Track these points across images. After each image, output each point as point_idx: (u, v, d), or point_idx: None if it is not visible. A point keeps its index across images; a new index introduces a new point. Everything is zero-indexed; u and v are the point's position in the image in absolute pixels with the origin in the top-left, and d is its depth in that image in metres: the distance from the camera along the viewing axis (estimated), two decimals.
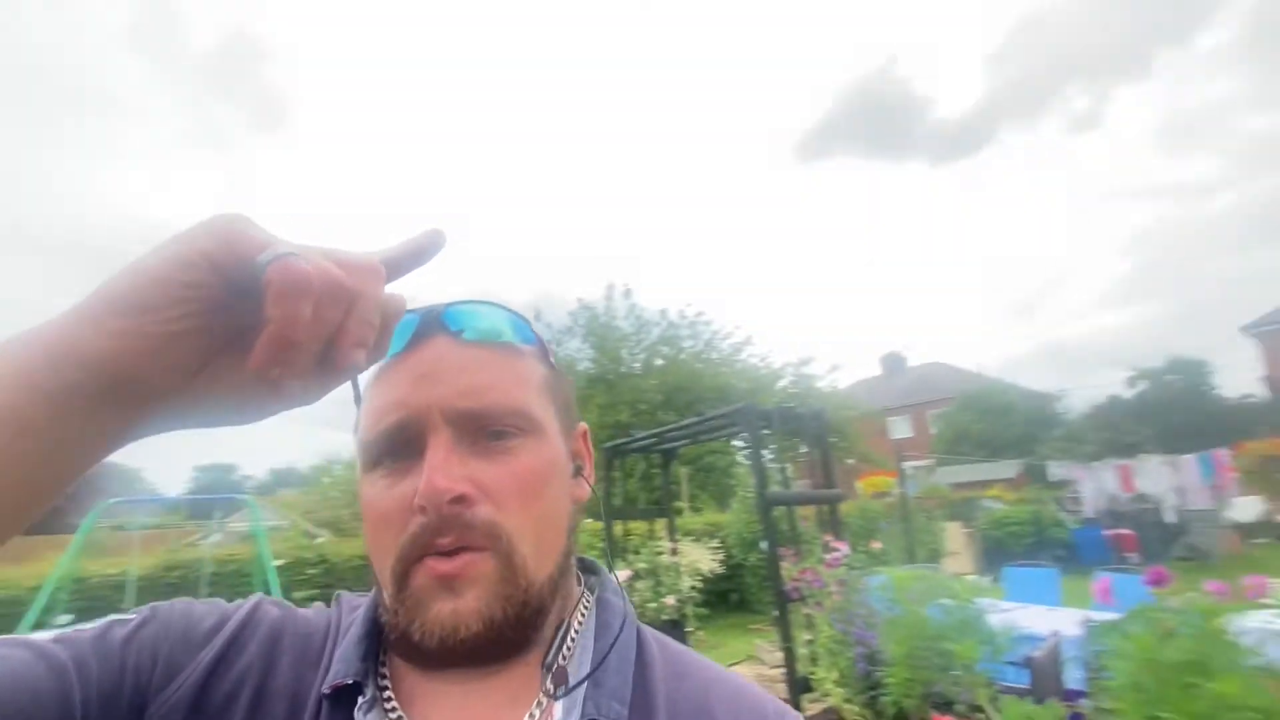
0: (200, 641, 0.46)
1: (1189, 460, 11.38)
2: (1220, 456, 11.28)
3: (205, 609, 0.49)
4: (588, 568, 0.57)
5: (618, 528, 6.50)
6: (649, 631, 0.53)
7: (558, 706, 0.44)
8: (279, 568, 7.62)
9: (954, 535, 11.39)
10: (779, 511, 4.94)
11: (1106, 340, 61.16)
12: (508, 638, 0.44)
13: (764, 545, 4.51)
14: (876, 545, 5.48)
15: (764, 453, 4.77)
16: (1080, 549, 11.21)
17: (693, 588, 6.33)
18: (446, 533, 0.42)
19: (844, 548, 4.22)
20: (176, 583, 7.73)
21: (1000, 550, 11.35)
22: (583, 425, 0.56)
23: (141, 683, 0.43)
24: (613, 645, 0.48)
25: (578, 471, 0.53)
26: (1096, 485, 12.30)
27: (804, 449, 6.00)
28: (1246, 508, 11.69)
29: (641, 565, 6.12)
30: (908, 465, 11.85)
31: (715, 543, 8.35)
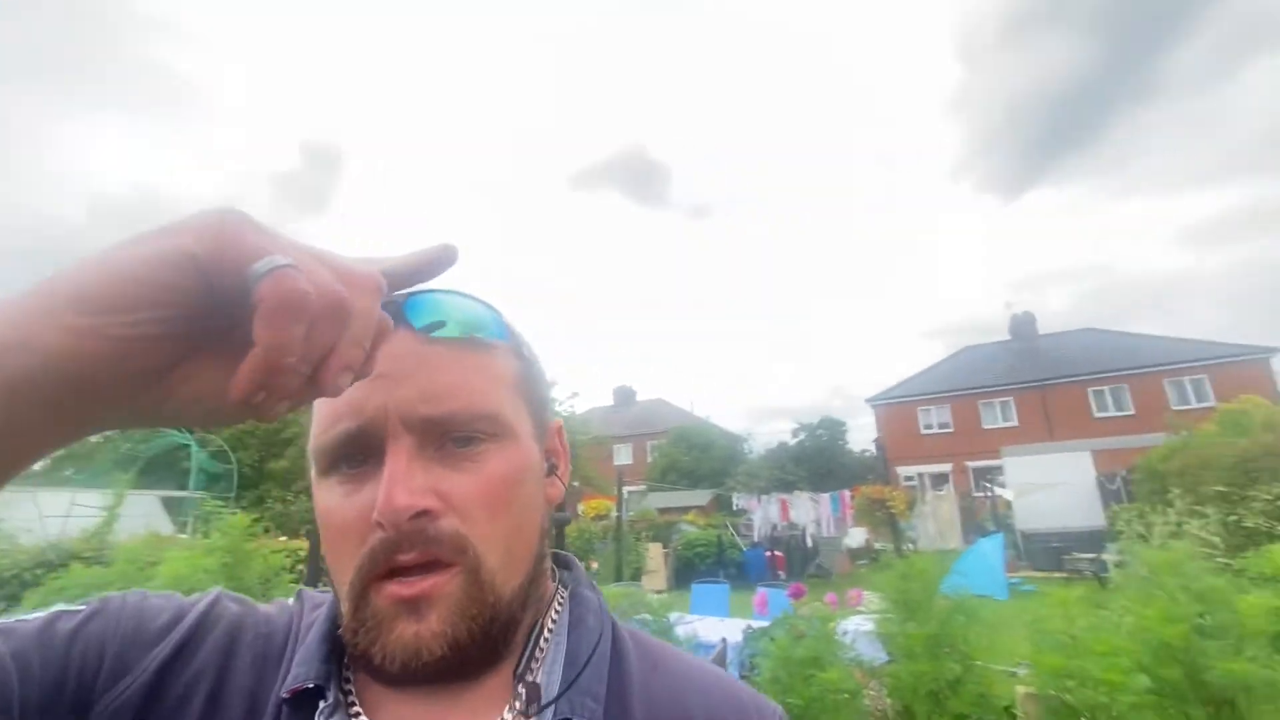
0: (152, 639, 0.43)
1: (825, 498, 14.82)
2: (845, 496, 14.91)
3: (160, 603, 0.46)
4: (563, 563, 0.55)
5: None
6: (624, 626, 0.52)
7: None
8: None
9: (654, 555, 12.80)
10: None
11: (783, 394, 75.44)
12: (474, 656, 0.42)
13: None
14: (594, 564, 5.94)
15: None
16: (749, 567, 13.45)
17: None
18: (408, 548, 0.40)
19: None
20: None
21: (690, 568, 13.05)
22: (557, 421, 0.53)
23: (86, 681, 0.39)
24: (588, 661, 0.45)
25: (552, 470, 0.51)
26: (764, 514, 15.05)
27: None
28: (856, 536, 15.44)
29: None
30: (626, 490, 12.97)
31: None
